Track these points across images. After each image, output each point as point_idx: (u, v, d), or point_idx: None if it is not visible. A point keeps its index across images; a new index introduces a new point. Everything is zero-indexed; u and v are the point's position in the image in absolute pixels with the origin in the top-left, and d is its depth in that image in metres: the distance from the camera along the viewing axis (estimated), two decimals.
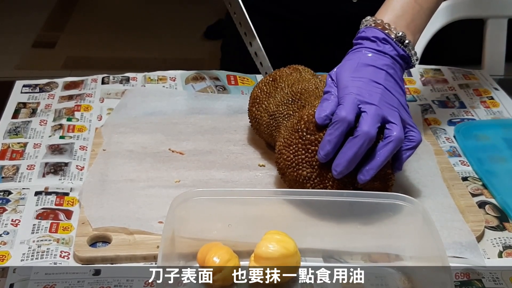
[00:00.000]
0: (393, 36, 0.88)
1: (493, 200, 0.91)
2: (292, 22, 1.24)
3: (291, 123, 0.87)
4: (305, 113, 0.85)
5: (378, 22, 0.89)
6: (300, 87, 0.92)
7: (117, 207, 0.86)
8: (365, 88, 0.84)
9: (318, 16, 1.22)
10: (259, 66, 1.10)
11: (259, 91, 0.97)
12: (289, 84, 0.94)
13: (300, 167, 0.83)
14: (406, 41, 0.89)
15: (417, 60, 0.91)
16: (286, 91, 0.93)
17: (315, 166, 0.83)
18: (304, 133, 0.83)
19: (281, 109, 0.92)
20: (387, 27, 0.89)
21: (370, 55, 0.87)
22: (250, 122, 0.99)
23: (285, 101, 0.92)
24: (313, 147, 0.83)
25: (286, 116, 0.91)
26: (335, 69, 0.88)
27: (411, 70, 1.24)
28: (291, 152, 0.84)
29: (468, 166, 0.98)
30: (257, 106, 0.96)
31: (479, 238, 0.84)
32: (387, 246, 0.81)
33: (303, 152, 0.83)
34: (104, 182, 0.91)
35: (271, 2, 1.24)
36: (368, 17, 0.91)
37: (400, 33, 0.89)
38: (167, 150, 0.99)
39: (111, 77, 1.18)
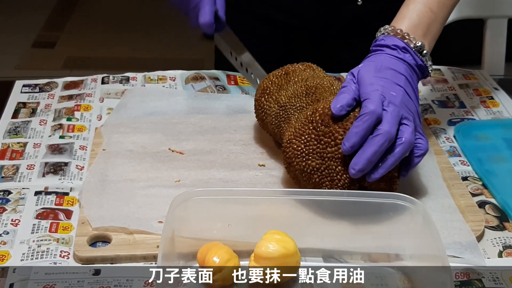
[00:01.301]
0: (412, 45, 0.89)
1: (493, 200, 0.91)
2: (293, 25, 1.24)
3: (304, 114, 0.87)
4: (320, 106, 0.86)
5: (397, 31, 0.90)
6: (314, 82, 0.93)
7: (117, 207, 0.86)
8: (388, 87, 0.84)
9: (319, 18, 1.22)
10: (249, 78, 1.11)
11: (269, 82, 0.97)
12: (303, 78, 0.95)
13: (310, 157, 0.83)
14: (424, 51, 0.90)
15: (432, 70, 0.92)
16: (300, 85, 0.93)
17: (325, 158, 0.83)
18: (319, 124, 0.84)
19: (293, 101, 0.92)
20: (406, 36, 0.90)
21: (392, 60, 0.88)
22: (255, 113, 0.99)
23: (298, 94, 0.92)
24: (326, 139, 0.83)
25: (299, 108, 0.91)
26: (357, 68, 0.88)
27: None
28: (302, 142, 0.84)
29: (468, 166, 0.98)
30: (266, 97, 0.96)
31: (479, 238, 0.84)
32: (387, 246, 0.81)
33: (315, 143, 0.83)
34: (104, 182, 0.91)
35: (270, 6, 1.24)
36: (386, 26, 0.92)
37: (419, 43, 0.90)
38: (167, 149, 0.99)
39: (111, 77, 1.18)
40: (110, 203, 0.87)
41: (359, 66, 0.89)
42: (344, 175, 0.82)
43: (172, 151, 0.99)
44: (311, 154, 0.83)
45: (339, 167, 0.82)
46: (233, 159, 0.97)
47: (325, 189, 0.83)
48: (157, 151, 0.98)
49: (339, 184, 0.83)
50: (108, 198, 0.88)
